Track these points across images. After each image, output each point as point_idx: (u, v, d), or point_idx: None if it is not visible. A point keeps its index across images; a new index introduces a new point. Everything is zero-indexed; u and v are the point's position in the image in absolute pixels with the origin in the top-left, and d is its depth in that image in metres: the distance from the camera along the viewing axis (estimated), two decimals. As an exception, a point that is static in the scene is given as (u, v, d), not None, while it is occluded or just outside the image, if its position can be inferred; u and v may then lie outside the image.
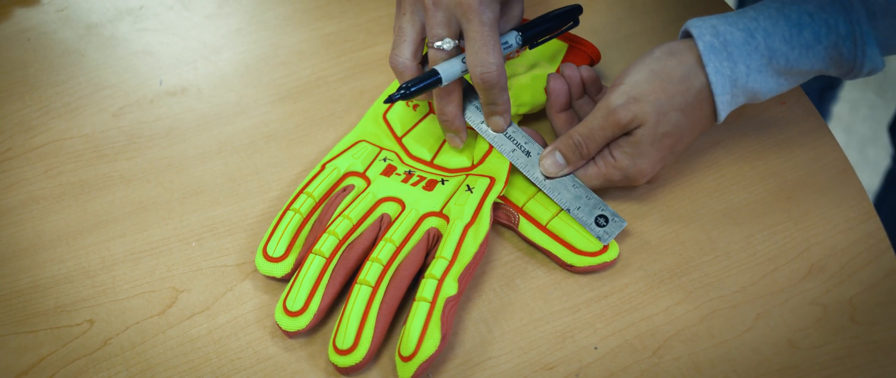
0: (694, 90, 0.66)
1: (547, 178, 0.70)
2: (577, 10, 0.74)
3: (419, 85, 0.67)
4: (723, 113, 0.67)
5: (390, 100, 0.67)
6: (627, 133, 0.68)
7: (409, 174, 0.73)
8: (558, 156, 0.69)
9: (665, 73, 0.66)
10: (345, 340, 0.63)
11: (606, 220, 0.69)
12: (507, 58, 0.76)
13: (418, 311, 0.63)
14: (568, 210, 0.69)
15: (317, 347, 0.65)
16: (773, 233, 0.71)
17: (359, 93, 0.81)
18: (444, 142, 0.75)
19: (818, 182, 0.74)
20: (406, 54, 0.69)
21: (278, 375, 0.64)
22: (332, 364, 0.63)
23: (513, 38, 0.71)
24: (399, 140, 0.75)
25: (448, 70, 0.68)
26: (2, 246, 0.71)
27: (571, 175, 0.71)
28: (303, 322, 0.64)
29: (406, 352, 0.62)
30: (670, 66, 0.66)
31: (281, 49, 0.85)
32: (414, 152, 0.74)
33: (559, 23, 0.73)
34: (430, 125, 0.76)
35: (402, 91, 0.67)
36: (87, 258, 0.70)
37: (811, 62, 0.65)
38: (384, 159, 0.74)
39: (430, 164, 0.74)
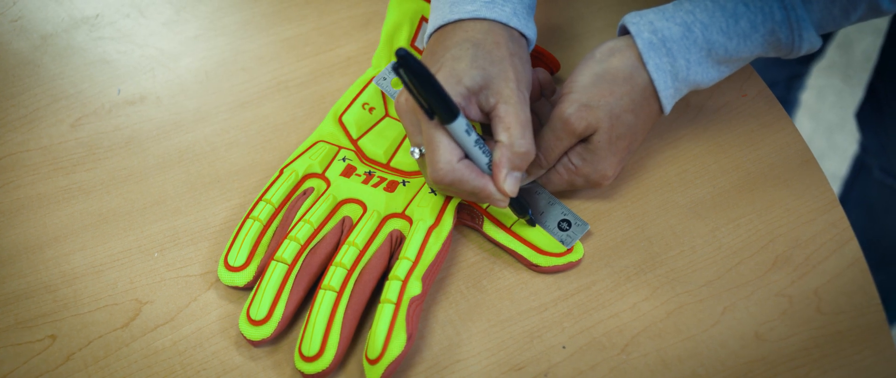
0: (639, 88, 0.67)
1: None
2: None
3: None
4: (668, 106, 0.68)
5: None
6: (584, 140, 0.68)
7: (370, 175, 0.72)
8: (518, 174, 0.64)
9: (610, 75, 0.66)
10: (311, 347, 0.62)
11: (569, 224, 0.69)
12: None
13: (383, 312, 0.63)
14: (531, 219, 0.69)
15: (283, 355, 0.65)
16: (738, 226, 0.71)
17: (320, 97, 0.80)
18: (400, 144, 0.74)
19: (781, 174, 0.74)
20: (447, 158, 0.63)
21: (244, 385, 0.64)
22: (299, 371, 0.63)
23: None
24: (354, 142, 0.75)
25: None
26: (-41, 263, 0.70)
27: (534, 182, 0.71)
28: (267, 330, 0.64)
29: (373, 354, 0.62)
30: (614, 66, 0.67)
31: (240, 55, 0.84)
32: (369, 154, 0.74)
33: None
34: (386, 128, 0.75)
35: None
36: (47, 272, 0.69)
37: (750, 49, 0.66)
38: (343, 159, 0.73)
39: (387, 166, 0.74)
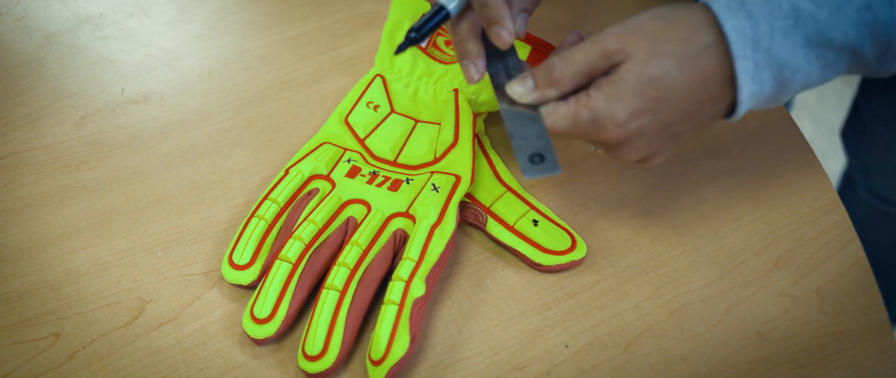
0: (699, 44, 0.56)
1: (512, 103, 0.62)
2: None
3: (427, 25, 0.63)
4: (745, 87, 0.55)
5: (400, 49, 0.63)
6: (611, 71, 0.58)
7: (374, 175, 0.72)
8: (529, 80, 0.60)
9: (671, 16, 0.57)
10: (314, 346, 0.63)
11: (542, 159, 0.59)
12: None
13: (386, 313, 0.63)
14: (511, 136, 0.61)
15: (286, 354, 0.65)
16: (740, 226, 0.71)
17: (323, 96, 0.80)
18: (406, 140, 0.75)
19: (783, 174, 0.74)
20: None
21: (247, 384, 0.64)
22: (302, 370, 0.63)
23: None
24: (361, 142, 0.75)
25: (452, 1, 0.63)
26: (-37, 261, 0.70)
27: (537, 113, 0.61)
28: (271, 329, 0.64)
29: (376, 355, 0.62)
30: (679, 14, 0.57)
31: (244, 54, 0.84)
32: (377, 152, 0.74)
33: None
34: (392, 124, 0.76)
35: (412, 35, 0.62)
36: (50, 271, 0.69)
37: (843, 28, 0.54)
38: (348, 160, 0.73)
39: (394, 163, 0.74)
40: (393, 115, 0.76)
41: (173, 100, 0.80)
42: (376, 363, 0.62)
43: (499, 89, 0.63)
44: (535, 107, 0.61)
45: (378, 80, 0.78)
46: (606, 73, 0.58)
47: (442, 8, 0.63)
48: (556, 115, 0.59)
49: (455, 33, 0.65)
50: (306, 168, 0.72)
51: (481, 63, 0.64)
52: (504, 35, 0.62)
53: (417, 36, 0.62)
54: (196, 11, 0.87)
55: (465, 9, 0.64)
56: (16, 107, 0.79)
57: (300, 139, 0.77)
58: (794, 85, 0.56)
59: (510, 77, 0.63)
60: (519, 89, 0.60)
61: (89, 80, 0.82)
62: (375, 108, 0.76)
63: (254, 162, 0.76)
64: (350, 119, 0.76)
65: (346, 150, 0.74)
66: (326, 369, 0.62)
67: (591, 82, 0.59)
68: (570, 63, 0.58)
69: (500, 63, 0.65)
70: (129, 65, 0.83)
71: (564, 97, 0.60)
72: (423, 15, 0.64)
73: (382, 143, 0.74)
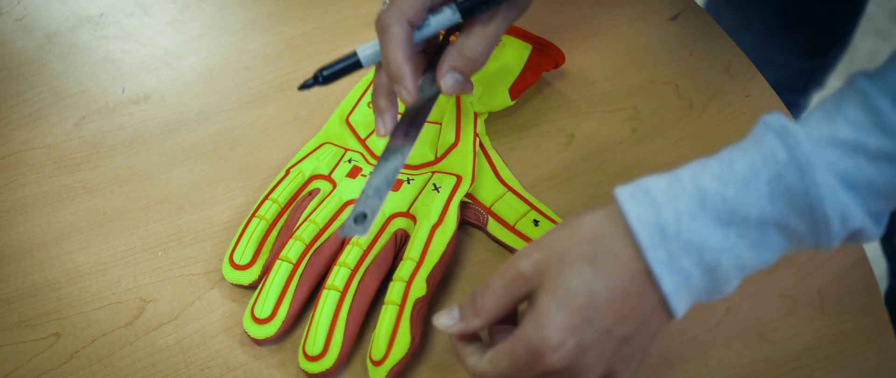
0: (607, 240, 0.53)
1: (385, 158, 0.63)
2: None
3: (336, 68, 0.63)
4: (664, 278, 0.51)
5: (304, 86, 0.63)
6: (532, 298, 0.55)
7: (376, 176, 0.72)
8: (455, 311, 0.57)
9: (576, 221, 0.55)
10: (314, 346, 0.63)
11: (364, 218, 0.60)
12: (443, 34, 0.68)
13: (387, 314, 0.63)
14: (366, 188, 0.61)
15: (287, 354, 0.65)
16: (741, 226, 0.71)
17: (324, 96, 0.80)
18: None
19: (785, 174, 0.74)
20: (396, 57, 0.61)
21: (248, 384, 0.64)
22: (303, 370, 0.63)
23: (449, 9, 0.62)
24: (363, 142, 0.75)
25: (368, 50, 0.63)
26: (-36, 261, 0.70)
27: (397, 163, 0.63)
28: (271, 329, 0.64)
29: (377, 356, 0.62)
30: (583, 217, 0.55)
31: (244, 54, 0.84)
32: (378, 152, 0.74)
33: None
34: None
35: (319, 77, 0.63)
36: (51, 271, 0.69)
37: (756, 203, 0.51)
38: (349, 160, 0.73)
39: (394, 164, 0.74)
40: (394, 115, 0.76)
41: (174, 99, 0.80)
42: (377, 363, 0.62)
43: (389, 147, 0.63)
44: (403, 150, 0.63)
45: (379, 80, 0.78)
46: (530, 301, 0.55)
47: (355, 55, 0.63)
48: (496, 357, 0.55)
49: (374, 84, 0.64)
50: (307, 168, 0.72)
51: (390, 121, 0.64)
52: (403, 94, 0.61)
53: (324, 79, 0.63)
54: (197, 11, 0.87)
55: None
56: (17, 106, 0.79)
57: (301, 139, 0.77)
58: (725, 270, 0.52)
59: (407, 135, 0.63)
60: (446, 320, 0.57)
61: (90, 79, 0.82)
62: (377, 108, 0.76)
63: (254, 162, 0.76)
64: (351, 119, 0.76)
65: (347, 150, 0.74)
66: (327, 369, 0.62)
67: (516, 310, 0.58)
68: (490, 292, 0.56)
69: (408, 119, 0.64)
70: (129, 64, 0.83)
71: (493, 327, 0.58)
72: (338, 59, 0.64)
73: (383, 143, 0.74)
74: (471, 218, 0.71)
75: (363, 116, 0.76)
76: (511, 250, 0.69)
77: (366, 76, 0.79)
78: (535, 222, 0.69)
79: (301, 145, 0.76)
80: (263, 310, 0.64)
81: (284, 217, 0.70)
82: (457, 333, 0.57)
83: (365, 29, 0.85)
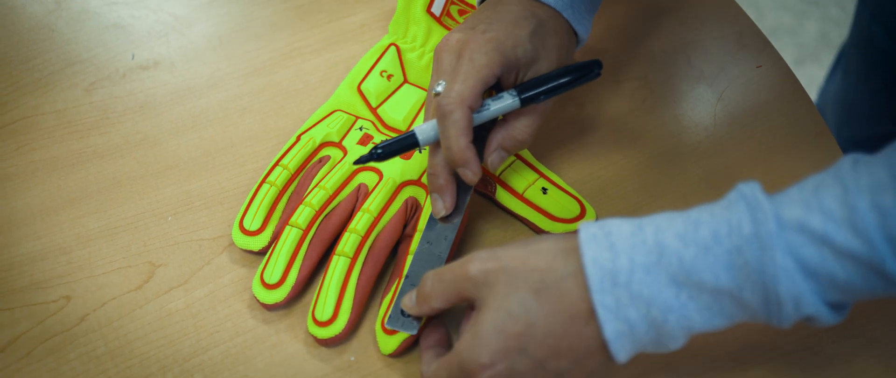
0: (558, 273, 0.53)
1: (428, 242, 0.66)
2: (595, 64, 0.65)
3: (392, 147, 0.64)
4: (608, 324, 0.51)
5: (359, 161, 0.64)
6: (474, 310, 0.56)
7: (386, 144, 0.72)
8: (414, 294, 0.60)
9: (535, 244, 0.55)
10: (324, 312, 0.63)
11: (404, 315, 0.62)
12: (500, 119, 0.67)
13: (403, 287, 0.63)
14: (406, 276, 0.64)
15: (295, 319, 0.65)
16: (751, 196, 0.71)
17: (333, 64, 0.80)
18: (419, 110, 0.75)
19: (795, 145, 0.74)
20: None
21: (257, 348, 0.64)
22: (312, 335, 0.63)
23: (509, 95, 0.63)
24: (374, 110, 0.75)
25: (427, 132, 0.64)
26: (-25, 224, 0.70)
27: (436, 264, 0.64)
28: (280, 294, 0.64)
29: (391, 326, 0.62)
30: (543, 242, 0.55)
31: (254, 21, 0.84)
32: (389, 121, 0.74)
33: (575, 77, 0.64)
34: (405, 94, 0.75)
35: (376, 152, 0.64)
36: (61, 234, 0.69)
37: (713, 270, 0.50)
38: (360, 128, 0.73)
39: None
40: (406, 84, 0.76)
41: (183, 66, 0.80)
42: (390, 333, 0.62)
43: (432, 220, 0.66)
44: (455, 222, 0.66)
45: (392, 49, 0.77)
46: (472, 309, 0.57)
47: (413, 135, 0.64)
48: (438, 368, 0.57)
49: (429, 164, 0.65)
50: (318, 135, 0.72)
51: (450, 199, 0.65)
52: (469, 176, 0.63)
53: (380, 154, 0.63)
54: (206, -22, 0.87)
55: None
56: (27, 72, 0.79)
57: (310, 107, 0.77)
58: (672, 327, 0.51)
59: (457, 208, 0.66)
60: (407, 301, 0.61)
61: (100, 45, 0.81)
62: (389, 77, 0.76)
63: (263, 129, 0.76)
64: (363, 87, 0.76)
65: (357, 117, 0.74)
66: (336, 335, 0.62)
67: (462, 304, 0.59)
68: (439, 282, 0.57)
69: (432, 233, 0.66)
70: (139, 31, 0.83)
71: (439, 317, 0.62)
72: (395, 136, 0.65)
73: (395, 113, 0.74)
74: (479, 187, 0.71)
75: (375, 85, 0.75)
76: (520, 219, 0.69)
77: (377, 43, 0.79)
78: (544, 190, 0.69)
79: (310, 113, 0.76)
80: (273, 275, 0.64)
81: (294, 183, 0.70)
82: (414, 315, 0.61)
83: (375, -3, 0.85)
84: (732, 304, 0.51)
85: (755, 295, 0.50)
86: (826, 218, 0.48)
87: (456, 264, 0.57)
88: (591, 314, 0.52)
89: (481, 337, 0.54)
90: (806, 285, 0.49)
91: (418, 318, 0.62)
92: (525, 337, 0.53)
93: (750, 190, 0.51)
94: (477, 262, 0.55)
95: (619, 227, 0.53)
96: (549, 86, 0.64)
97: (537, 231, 0.68)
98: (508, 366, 0.53)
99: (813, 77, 1.96)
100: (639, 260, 0.51)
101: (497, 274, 0.54)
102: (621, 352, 0.52)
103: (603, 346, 0.52)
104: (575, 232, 0.54)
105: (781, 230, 0.49)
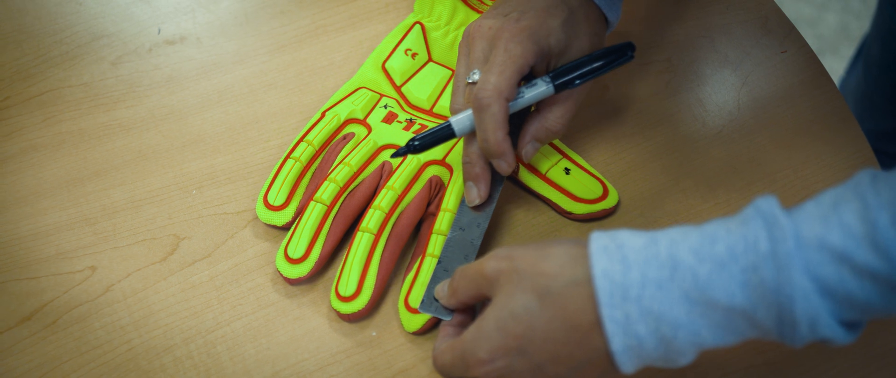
0: (565, 281, 0.52)
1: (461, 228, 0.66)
2: (628, 46, 0.66)
3: (429, 138, 0.65)
4: (616, 338, 0.50)
5: (397, 154, 0.65)
6: (485, 305, 0.57)
7: (411, 122, 0.72)
8: (446, 285, 0.61)
9: (547, 248, 0.55)
10: (347, 287, 0.63)
11: (436, 301, 0.63)
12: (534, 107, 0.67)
13: (427, 265, 0.64)
14: (439, 262, 0.64)
15: (318, 294, 0.66)
16: (773, 181, 0.71)
17: (358, 42, 0.80)
18: (443, 89, 0.75)
19: (819, 130, 0.74)
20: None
21: (280, 321, 0.65)
22: (335, 310, 0.64)
23: (543, 82, 0.64)
24: (398, 89, 0.75)
25: (463, 122, 0.64)
26: (2, 193, 0.71)
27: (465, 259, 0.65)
28: (304, 269, 0.65)
29: (415, 304, 0.63)
30: (555, 247, 0.54)
31: (280, -2, 0.84)
32: (413, 101, 0.74)
33: (608, 61, 0.65)
34: (429, 73, 0.76)
35: (413, 144, 0.65)
36: (87, 206, 0.70)
37: (727, 288, 0.48)
38: (385, 106, 0.73)
39: (430, 112, 0.74)
40: (430, 63, 0.76)
41: (210, 41, 0.80)
42: (414, 311, 0.63)
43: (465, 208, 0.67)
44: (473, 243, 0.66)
45: (417, 27, 0.78)
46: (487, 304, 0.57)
47: (449, 126, 0.64)
48: (445, 350, 0.58)
49: (464, 153, 0.66)
50: (343, 111, 0.72)
51: (484, 188, 0.66)
52: (504, 167, 0.64)
53: (418, 146, 0.64)
54: (232, -46, 0.87)
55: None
56: (54, 44, 0.80)
57: (335, 84, 0.77)
58: (681, 344, 0.50)
59: (491, 197, 0.67)
60: (439, 291, 0.62)
61: (126, 19, 0.82)
62: (413, 55, 0.76)
63: (288, 105, 0.76)
64: (387, 65, 0.76)
65: (382, 95, 0.75)
66: (359, 310, 0.63)
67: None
68: (464, 278, 0.58)
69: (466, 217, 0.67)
70: (166, 5, 0.83)
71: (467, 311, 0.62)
72: (431, 127, 0.65)
73: (419, 91, 0.74)
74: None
75: (400, 63, 0.76)
76: (542, 199, 0.69)
77: (403, 22, 0.79)
78: (567, 171, 0.70)
79: (335, 90, 0.76)
80: (297, 250, 0.65)
81: (319, 159, 0.70)
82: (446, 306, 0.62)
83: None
84: (745, 322, 0.49)
85: (769, 315, 0.48)
86: (846, 235, 0.46)
87: (478, 261, 0.57)
88: (594, 326, 0.51)
89: (483, 332, 0.54)
90: (822, 306, 0.47)
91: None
92: (525, 339, 0.53)
93: (767, 205, 0.49)
94: (493, 261, 0.56)
95: (632, 240, 0.51)
96: (583, 70, 0.64)
97: (560, 211, 0.69)
98: (507, 364, 0.54)
99: (832, 69, 1.95)
100: (651, 275, 0.50)
101: (508, 274, 0.54)
102: (627, 365, 0.51)
103: (606, 358, 0.52)
104: (586, 239, 0.53)
105: (799, 249, 0.47)
